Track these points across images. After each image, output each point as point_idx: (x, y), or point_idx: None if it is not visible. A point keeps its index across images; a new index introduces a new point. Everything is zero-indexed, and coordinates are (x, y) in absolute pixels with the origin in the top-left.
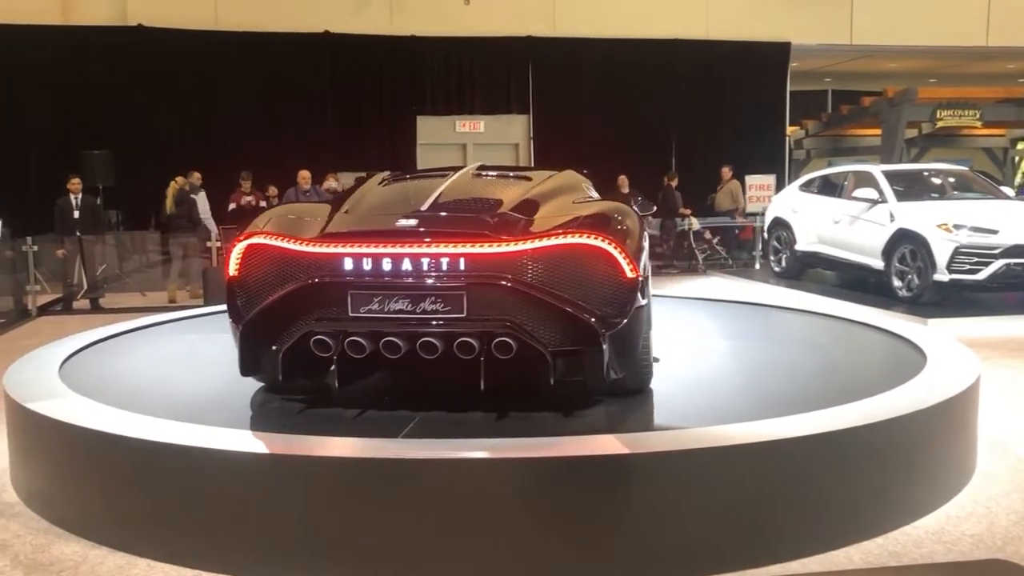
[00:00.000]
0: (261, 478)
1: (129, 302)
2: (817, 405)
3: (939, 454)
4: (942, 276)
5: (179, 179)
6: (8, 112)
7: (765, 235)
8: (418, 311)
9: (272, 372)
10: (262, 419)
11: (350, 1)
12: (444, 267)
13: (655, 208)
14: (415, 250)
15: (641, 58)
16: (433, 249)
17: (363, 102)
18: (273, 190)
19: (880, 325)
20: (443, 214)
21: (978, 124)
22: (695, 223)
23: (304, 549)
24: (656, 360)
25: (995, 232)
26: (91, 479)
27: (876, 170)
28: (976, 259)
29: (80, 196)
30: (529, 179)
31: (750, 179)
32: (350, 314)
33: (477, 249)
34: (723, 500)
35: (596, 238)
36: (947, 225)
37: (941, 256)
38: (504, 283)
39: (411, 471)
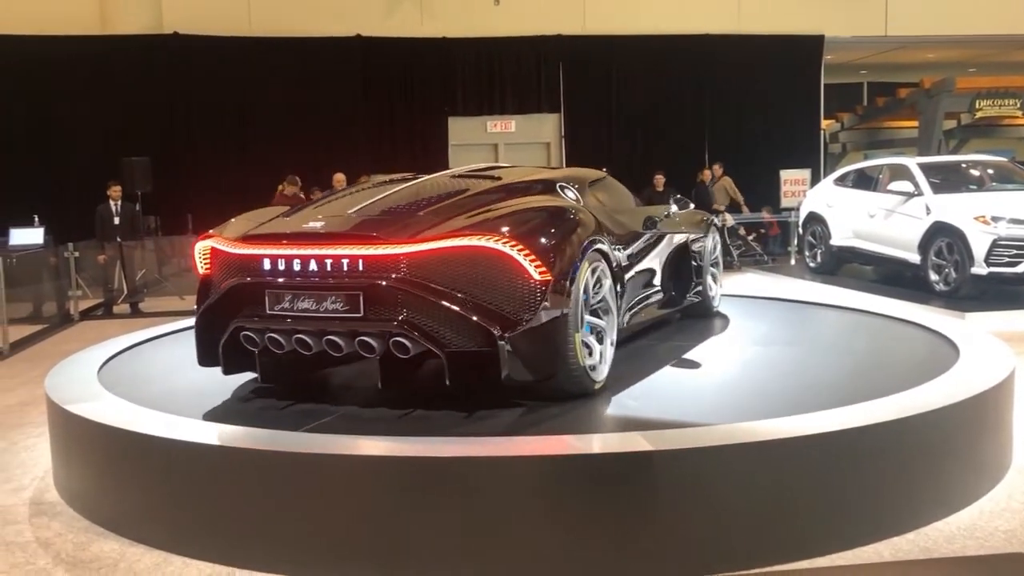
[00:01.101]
0: (295, 477)
1: (168, 306)
2: (849, 400)
3: (973, 449)
4: (980, 269)
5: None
6: (49, 121)
7: (800, 230)
8: (321, 310)
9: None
10: (298, 420)
11: (381, 4)
12: (343, 268)
13: (692, 205)
14: (317, 252)
15: (673, 54)
16: (332, 251)
17: (395, 104)
18: (318, 192)
19: (913, 319)
20: (352, 218)
21: (1019, 114)
22: (729, 219)
23: (337, 547)
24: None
25: None
26: (129, 479)
27: (912, 163)
28: (1015, 251)
29: (120, 202)
30: (496, 183)
31: (785, 173)
32: (267, 312)
33: (372, 251)
34: (752, 496)
35: (492, 240)
36: (985, 217)
37: (979, 249)
38: (396, 284)
39: (437, 470)
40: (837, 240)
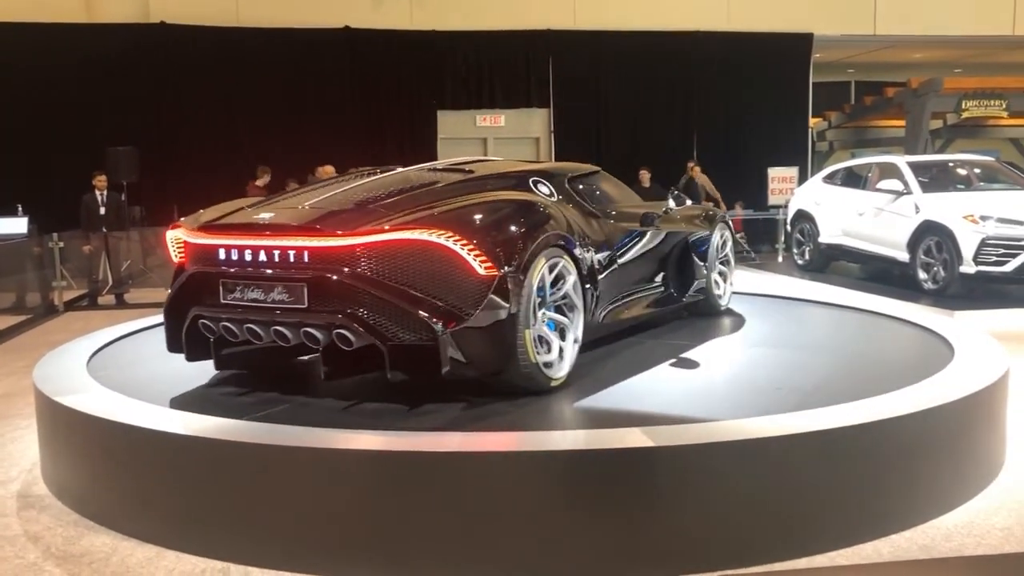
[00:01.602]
0: (288, 471)
1: (153, 297)
2: (843, 399)
3: (968, 447)
4: (968, 268)
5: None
6: (34, 110)
7: (788, 227)
8: (269, 301)
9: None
10: (291, 412)
11: None
12: (288, 260)
13: (689, 202)
14: (265, 243)
15: (662, 50)
16: (279, 243)
17: (383, 97)
18: (293, 184)
19: (907, 318)
20: (303, 210)
21: (1004, 114)
22: None
23: (331, 542)
24: None
25: (1022, 223)
26: (119, 472)
27: (901, 161)
28: (1003, 251)
29: (105, 192)
30: (465, 177)
31: (772, 171)
32: (221, 301)
33: (315, 243)
34: (748, 494)
35: (435, 235)
36: (973, 216)
37: (967, 248)
38: (339, 276)
39: (437, 464)
40: (825, 238)
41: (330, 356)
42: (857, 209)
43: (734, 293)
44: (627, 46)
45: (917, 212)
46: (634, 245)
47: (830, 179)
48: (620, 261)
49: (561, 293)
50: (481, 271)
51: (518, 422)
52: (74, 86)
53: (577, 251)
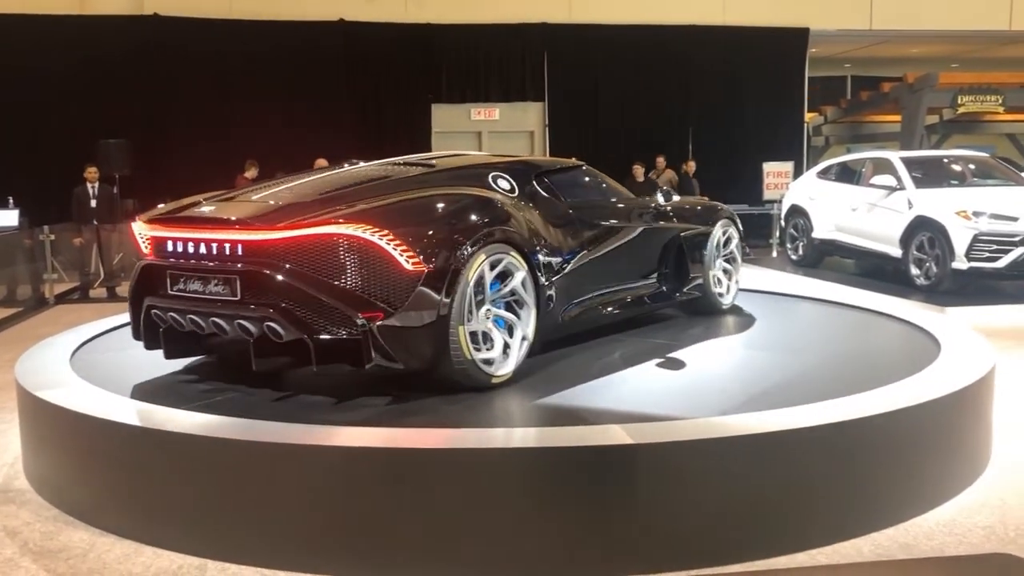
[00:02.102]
0: (269, 467)
1: None
2: (828, 395)
3: (952, 444)
4: (961, 264)
5: None
6: (26, 102)
7: (782, 223)
8: (207, 293)
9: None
10: (273, 408)
11: None
12: (223, 253)
13: (676, 196)
14: (204, 236)
15: (657, 44)
16: (216, 236)
17: (378, 90)
18: (281, 176)
19: (894, 314)
20: (244, 204)
21: (1001, 110)
22: None
23: (312, 538)
24: None
25: (1015, 219)
26: (98, 467)
27: (894, 157)
28: (996, 247)
29: (97, 185)
30: (423, 171)
31: (767, 166)
32: (168, 292)
33: (246, 236)
34: (730, 491)
35: (361, 229)
36: (966, 212)
37: (960, 244)
38: (267, 270)
39: (417, 461)
40: (819, 233)
41: (262, 348)
42: (851, 204)
43: None
44: (622, 39)
45: (910, 208)
46: (610, 241)
47: (824, 174)
48: (591, 258)
49: (507, 290)
50: (408, 266)
51: (503, 418)
52: (66, 78)
53: (528, 248)
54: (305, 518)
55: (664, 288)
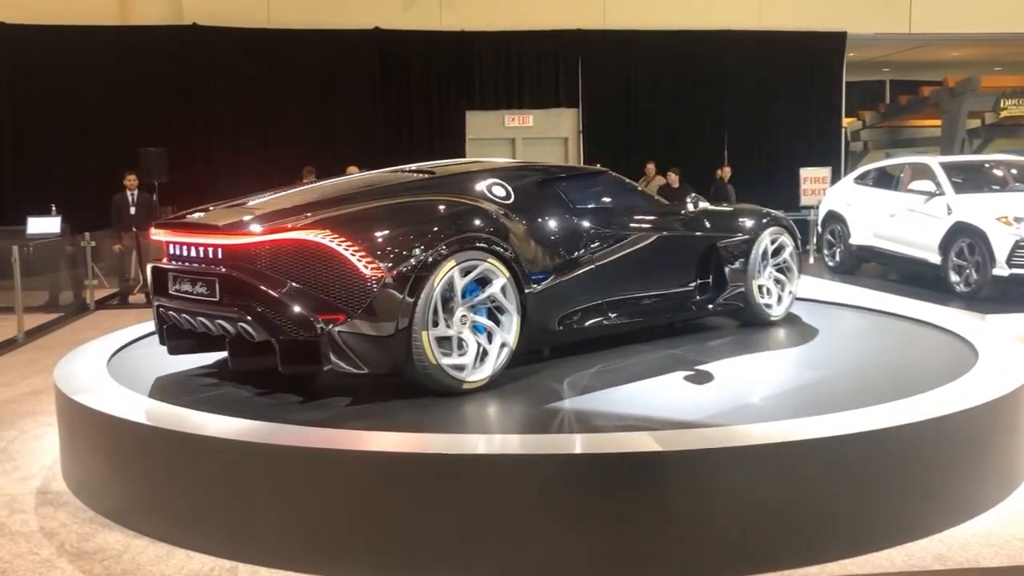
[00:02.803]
0: (300, 471)
1: None
2: (862, 403)
3: (990, 454)
4: (1001, 271)
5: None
6: (67, 111)
7: (819, 229)
8: (194, 293)
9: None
10: (305, 412)
11: None
12: (205, 256)
13: (701, 203)
14: (191, 240)
15: (693, 50)
16: (199, 240)
17: (413, 97)
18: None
19: (932, 321)
20: (231, 211)
21: None
22: None
23: (342, 541)
24: None
25: None
26: (133, 470)
27: (933, 162)
28: None
29: (136, 192)
30: (419, 179)
31: (805, 172)
32: (169, 292)
33: (223, 241)
34: (759, 500)
35: (321, 235)
36: (1007, 218)
37: (1000, 250)
38: (239, 273)
39: (444, 466)
40: (856, 239)
41: (238, 348)
42: (889, 210)
43: None
44: (657, 45)
45: (949, 213)
46: (623, 249)
47: (862, 180)
48: (597, 265)
49: (483, 296)
50: (366, 271)
51: (534, 424)
52: (107, 87)
53: (511, 255)
54: (335, 522)
55: (696, 297)
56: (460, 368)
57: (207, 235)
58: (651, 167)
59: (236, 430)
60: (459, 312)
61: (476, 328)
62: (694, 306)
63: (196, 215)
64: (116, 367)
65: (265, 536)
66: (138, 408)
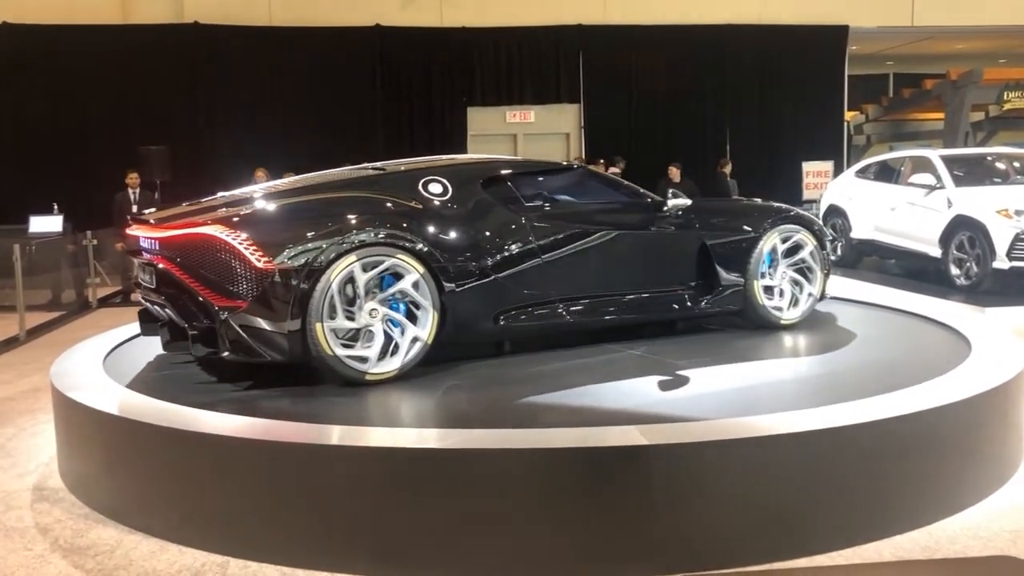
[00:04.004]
0: (292, 467)
1: None
2: (853, 396)
3: (978, 447)
4: (1002, 264)
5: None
6: (69, 109)
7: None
8: (146, 281)
9: None
10: (299, 409)
11: None
12: (149, 249)
13: (675, 198)
14: (142, 233)
15: (694, 44)
16: (145, 234)
17: (414, 94)
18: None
19: (927, 314)
20: (177, 208)
21: None
22: None
23: (333, 537)
24: None
25: None
26: (127, 467)
27: (934, 155)
28: None
29: (138, 190)
30: (361, 176)
31: (807, 165)
32: (138, 279)
33: (155, 235)
34: (748, 493)
35: (219, 230)
36: (1007, 211)
37: (1000, 243)
38: (163, 264)
39: (435, 461)
40: (857, 233)
41: (173, 332)
42: (889, 204)
43: None
44: (658, 40)
45: (950, 207)
46: (583, 246)
47: (863, 173)
48: (543, 262)
49: (393, 291)
50: (258, 264)
51: (519, 419)
52: (109, 86)
53: (427, 251)
54: (326, 518)
55: (681, 297)
56: (363, 360)
57: (148, 230)
58: (601, 163)
59: (229, 427)
60: (368, 305)
61: (392, 321)
62: (676, 305)
63: (154, 210)
64: (112, 364)
65: (256, 532)
66: (132, 405)
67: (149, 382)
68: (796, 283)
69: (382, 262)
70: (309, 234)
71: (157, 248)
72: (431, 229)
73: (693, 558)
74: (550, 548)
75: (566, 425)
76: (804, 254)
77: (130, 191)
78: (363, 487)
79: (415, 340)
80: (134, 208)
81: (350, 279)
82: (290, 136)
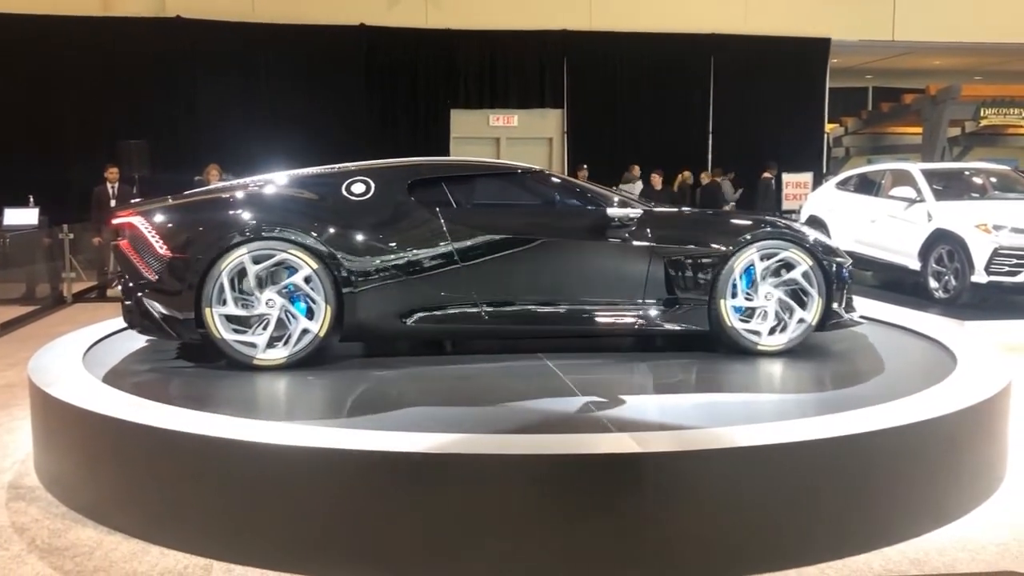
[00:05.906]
0: (275, 469)
1: None
2: (840, 408)
3: (966, 460)
4: (980, 278)
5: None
6: (48, 101)
7: None
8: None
9: None
10: (283, 409)
11: None
12: (115, 234)
13: (650, 207)
14: (114, 220)
15: (677, 53)
16: (113, 220)
17: (397, 95)
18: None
19: (911, 327)
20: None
21: (1023, 123)
22: None
23: (316, 540)
24: None
25: None
26: (108, 466)
27: (914, 168)
28: (1016, 261)
29: (117, 184)
30: (301, 174)
31: (787, 177)
32: None
33: (114, 221)
34: (738, 502)
35: (136, 219)
36: (986, 225)
37: (979, 257)
38: (115, 246)
39: (422, 466)
40: (837, 245)
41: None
42: (869, 216)
43: None
44: (642, 47)
45: (929, 220)
46: (514, 252)
47: (843, 185)
48: (464, 266)
49: (284, 283)
50: (161, 251)
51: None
52: (89, 79)
53: (324, 247)
54: (309, 521)
55: (625, 310)
56: (252, 346)
57: (113, 217)
58: (636, 169)
59: (211, 426)
60: (264, 295)
61: (298, 309)
62: (621, 319)
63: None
64: (91, 361)
65: (240, 534)
66: (113, 402)
67: (129, 380)
68: (785, 306)
69: (273, 255)
70: (204, 226)
71: (116, 234)
72: (336, 228)
73: (682, 568)
74: (540, 556)
75: (557, 432)
76: (796, 274)
77: (108, 185)
78: (347, 491)
79: (305, 332)
80: (112, 202)
81: (242, 269)
82: (272, 133)
